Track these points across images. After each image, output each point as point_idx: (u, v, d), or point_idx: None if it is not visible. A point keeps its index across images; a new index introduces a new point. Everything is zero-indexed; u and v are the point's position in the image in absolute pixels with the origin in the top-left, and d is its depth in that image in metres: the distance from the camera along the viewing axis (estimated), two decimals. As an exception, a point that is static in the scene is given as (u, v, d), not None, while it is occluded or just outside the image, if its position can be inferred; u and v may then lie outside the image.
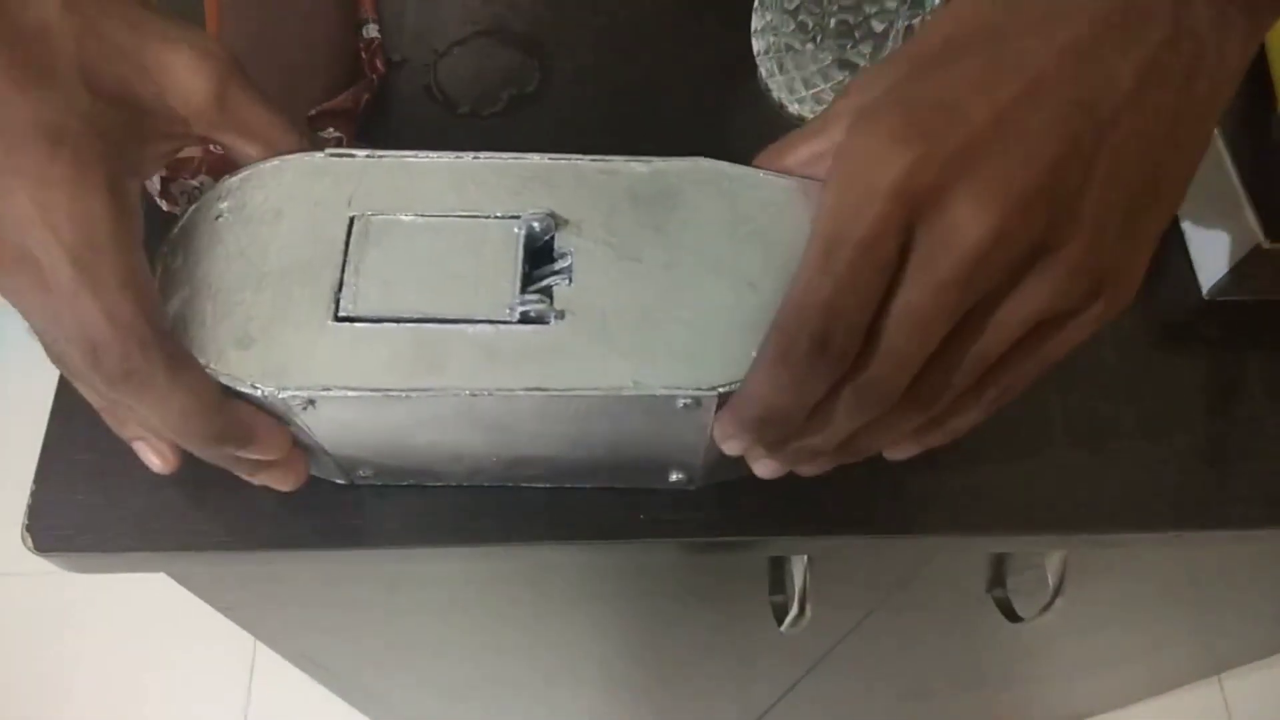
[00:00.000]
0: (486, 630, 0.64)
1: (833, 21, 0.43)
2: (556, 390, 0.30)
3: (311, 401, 0.30)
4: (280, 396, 0.30)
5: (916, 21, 0.42)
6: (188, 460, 0.33)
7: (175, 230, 0.32)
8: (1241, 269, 0.41)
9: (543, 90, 0.48)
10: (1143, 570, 0.60)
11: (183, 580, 0.46)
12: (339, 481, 0.37)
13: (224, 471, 0.33)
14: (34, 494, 0.37)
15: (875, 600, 0.59)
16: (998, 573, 0.56)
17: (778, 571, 0.52)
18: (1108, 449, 0.41)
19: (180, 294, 0.31)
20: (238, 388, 0.30)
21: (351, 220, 0.32)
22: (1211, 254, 0.43)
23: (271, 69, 0.40)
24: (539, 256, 0.32)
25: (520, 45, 0.49)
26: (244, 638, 0.62)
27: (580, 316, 0.31)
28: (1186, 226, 0.45)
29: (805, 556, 0.47)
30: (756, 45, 0.46)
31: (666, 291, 0.31)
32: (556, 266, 0.32)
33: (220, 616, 0.53)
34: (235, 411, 0.31)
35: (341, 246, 0.31)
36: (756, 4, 0.46)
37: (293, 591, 0.53)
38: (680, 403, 0.30)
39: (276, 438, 0.32)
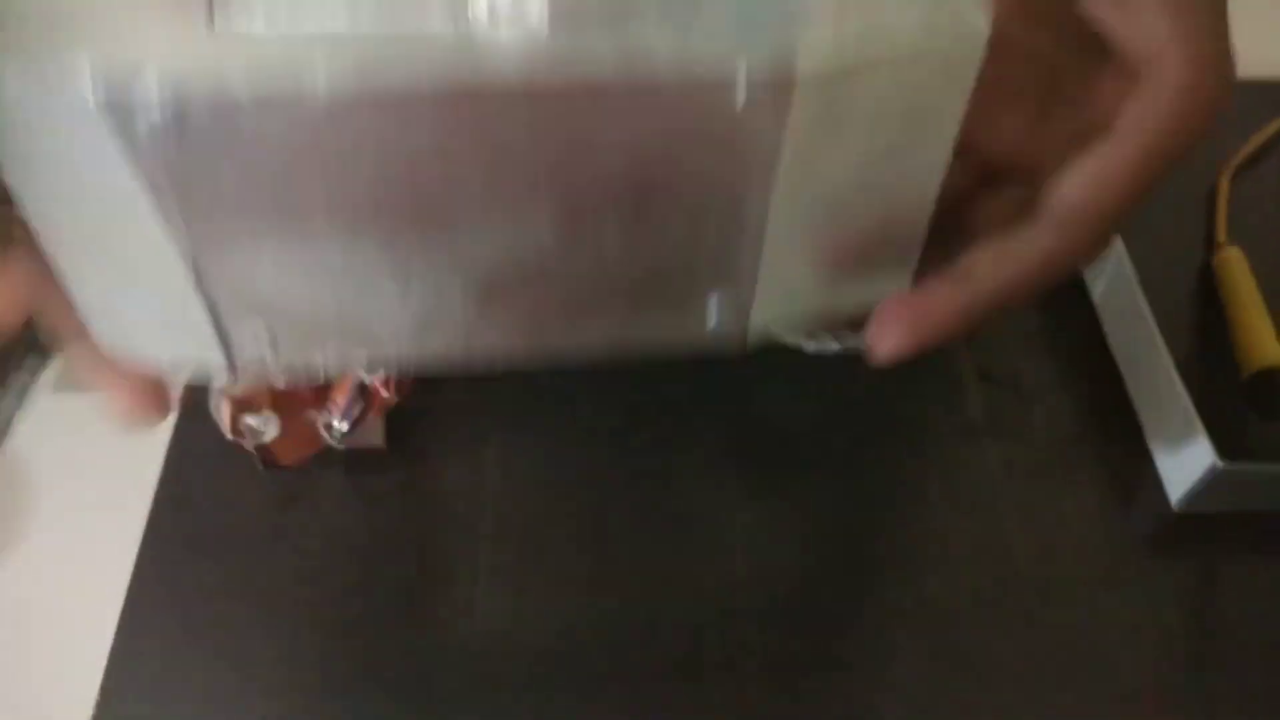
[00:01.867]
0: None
1: None
2: (541, 69, 0.20)
3: (177, 117, 0.20)
4: (118, 95, 0.19)
5: None
6: (262, 666, 0.35)
7: None
8: (1203, 485, 0.45)
9: None
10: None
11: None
12: (217, 360, 0.26)
13: (269, 671, 0.35)
14: (99, 705, 0.40)
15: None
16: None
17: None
18: (1087, 659, 0.43)
19: None
20: (34, 97, 0.20)
21: None
22: (1176, 471, 0.47)
23: None
24: None
25: None
26: None
27: (582, 10, 0.21)
28: (1154, 446, 0.49)
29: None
30: None
31: None
32: None
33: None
34: None
35: None
36: None
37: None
38: (740, 88, 0.21)
39: None
